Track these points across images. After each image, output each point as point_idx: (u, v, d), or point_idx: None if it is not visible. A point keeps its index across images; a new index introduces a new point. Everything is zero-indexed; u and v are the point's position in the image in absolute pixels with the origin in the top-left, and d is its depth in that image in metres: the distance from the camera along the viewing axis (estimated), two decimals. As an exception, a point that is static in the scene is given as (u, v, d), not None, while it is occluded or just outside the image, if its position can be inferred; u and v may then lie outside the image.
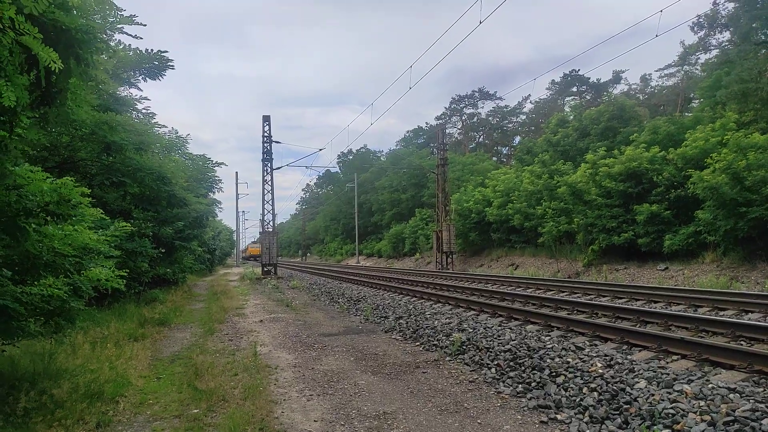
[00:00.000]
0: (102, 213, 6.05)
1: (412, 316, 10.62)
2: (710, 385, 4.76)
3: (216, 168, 18.62)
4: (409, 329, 9.66)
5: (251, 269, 38.02)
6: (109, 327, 9.22)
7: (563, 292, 14.56)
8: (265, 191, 32.19)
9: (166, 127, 15.66)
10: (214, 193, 20.61)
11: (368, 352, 8.13)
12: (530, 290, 15.61)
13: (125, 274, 6.37)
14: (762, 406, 4.16)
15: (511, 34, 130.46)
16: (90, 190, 5.47)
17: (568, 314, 10.02)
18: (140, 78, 11.54)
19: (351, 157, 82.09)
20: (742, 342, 7.03)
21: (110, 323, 9.61)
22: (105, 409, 5.26)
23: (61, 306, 5.46)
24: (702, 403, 4.39)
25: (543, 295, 13.34)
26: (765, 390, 4.74)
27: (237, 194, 55.58)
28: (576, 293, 14.03)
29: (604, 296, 12.98)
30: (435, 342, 8.40)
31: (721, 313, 9.64)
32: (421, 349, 8.34)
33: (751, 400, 4.30)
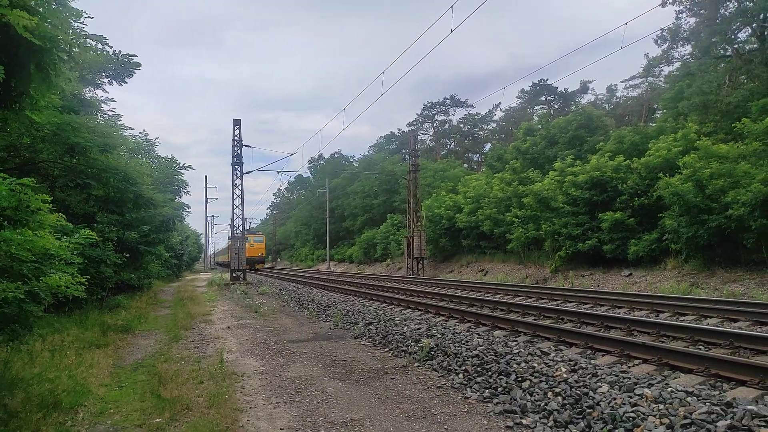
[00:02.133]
0: (63, 218, 5.88)
1: (381, 322, 10.62)
2: (669, 389, 4.89)
3: (183, 171, 18.33)
4: (378, 335, 9.65)
5: (219, 275, 37.46)
6: (69, 334, 8.96)
7: (531, 297, 14.77)
8: (235, 196, 31.78)
9: (133, 129, 15.38)
10: (181, 196, 20.29)
11: (337, 359, 8.09)
12: (498, 296, 15.79)
13: (85, 281, 6.19)
14: (717, 408, 4.29)
15: (483, 44, 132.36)
16: (51, 194, 5.32)
17: (535, 320, 10.17)
18: (106, 80, 11.32)
19: (323, 162, 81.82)
20: (700, 346, 7.24)
21: (71, 330, 9.34)
22: (63, 419, 5.10)
23: (17, 312, 5.27)
24: (661, 406, 4.50)
25: (511, 301, 13.51)
26: (721, 393, 4.90)
27: (206, 198, 54.72)
28: (543, 299, 14.24)
29: (570, 302, 13.23)
30: (404, 348, 8.41)
31: (682, 318, 9.92)
32: (389, 354, 8.34)
33: (707, 403, 4.44)
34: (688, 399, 4.58)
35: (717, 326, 8.73)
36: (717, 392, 4.90)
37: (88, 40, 6.81)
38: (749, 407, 4.22)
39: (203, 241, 67.34)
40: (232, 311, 15.14)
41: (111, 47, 9.89)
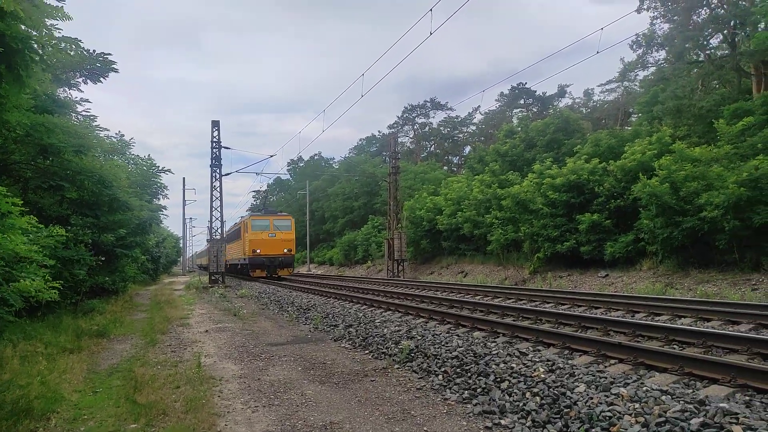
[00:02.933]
0: (35, 221, 5.75)
1: (361, 324, 10.60)
2: (644, 388, 4.97)
3: (161, 174, 18.09)
4: (358, 337, 9.63)
5: (198, 278, 37.01)
6: (41, 339, 8.75)
7: (510, 299, 14.90)
8: (214, 198, 31.44)
9: (108, 130, 15.12)
10: (159, 199, 20.02)
11: (316, 361, 8.05)
12: (478, 297, 15.88)
13: (59, 285, 6.05)
14: (691, 406, 4.37)
15: (463, 47, 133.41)
16: (23, 197, 5.20)
17: (514, 321, 10.26)
18: (81, 80, 11.12)
19: (302, 165, 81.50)
20: (674, 346, 7.38)
21: (43, 335, 9.12)
22: (34, 426, 4.98)
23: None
24: (637, 405, 4.57)
25: (490, 302, 13.61)
26: (694, 391, 5.00)
27: (184, 200, 54.01)
28: (522, 300, 14.38)
29: (548, 303, 13.37)
30: (384, 350, 8.40)
31: (657, 318, 10.09)
32: (370, 357, 8.32)
33: (681, 401, 4.52)
34: (663, 398, 4.66)
35: (691, 326, 8.91)
36: (690, 390, 5.00)
37: (61, 43, 6.68)
38: (721, 405, 4.31)
39: (182, 244, 66.53)
40: (211, 314, 14.96)
41: (85, 50, 9.74)
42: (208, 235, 34.91)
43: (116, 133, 16.53)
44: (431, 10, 15.44)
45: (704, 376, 5.52)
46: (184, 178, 55.68)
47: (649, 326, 8.30)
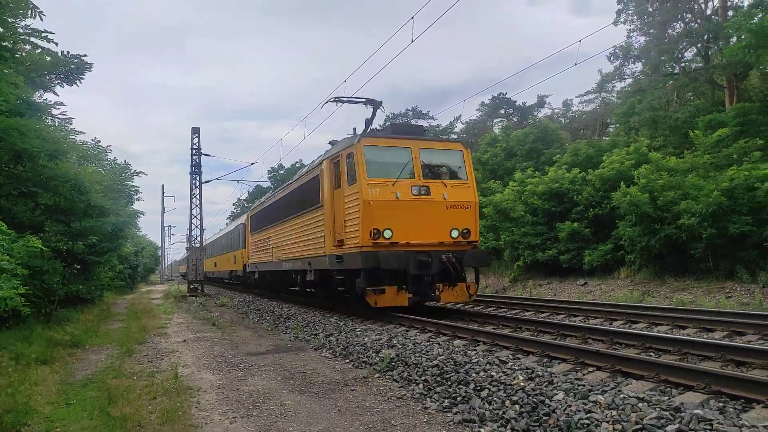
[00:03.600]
0: (4, 227, 5.61)
1: (342, 333, 10.53)
2: (622, 395, 5.01)
3: (135, 177, 17.75)
4: (339, 346, 9.57)
5: (176, 286, 36.49)
6: (11, 350, 8.51)
7: (490, 307, 14.95)
8: (193, 205, 31.09)
9: (84, 133, 14.88)
10: (133, 203, 19.71)
11: (296, 371, 7.97)
12: (458, 305, 15.91)
13: (26, 291, 5.89)
14: (667, 413, 4.42)
15: (445, 56, 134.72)
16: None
17: (494, 329, 10.29)
18: (57, 83, 10.94)
19: (283, 172, 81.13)
20: (651, 353, 7.47)
21: (13, 346, 8.88)
22: (3, 440, 4.83)
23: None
24: (614, 412, 4.61)
25: (471, 310, 13.64)
26: (670, 398, 5.05)
27: (163, 207, 53.45)
28: (502, 308, 14.44)
29: (528, 311, 13.45)
30: (365, 359, 8.35)
31: (634, 325, 10.22)
32: (350, 366, 8.27)
33: (657, 408, 4.57)
34: (640, 405, 4.70)
35: (667, 333, 9.04)
36: (666, 397, 5.06)
37: (32, 38, 6.54)
38: (696, 411, 4.37)
39: (161, 252, 65.57)
40: (189, 324, 14.73)
41: (60, 52, 9.58)
42: (187, 243, 33.72)
43: (92, 140, 16.23)
44: (413, 17, 15.53)
45: (680, 383, 5.59)
46: (163, 185, 55.16)
47: (627, 334, 8.40)
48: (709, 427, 4.10)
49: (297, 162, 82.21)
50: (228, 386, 7.10)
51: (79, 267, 13.31)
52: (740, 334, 8.65)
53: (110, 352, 10.16)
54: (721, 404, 4.93)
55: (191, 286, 30.17)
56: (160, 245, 64.23)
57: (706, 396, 5.10)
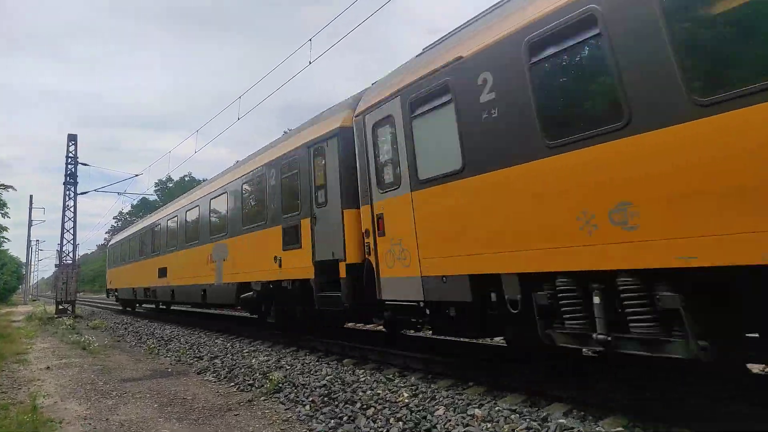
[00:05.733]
0: None
1: (228, 355, 10.15)
2: (497, 408, 5.32)
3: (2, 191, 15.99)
4: (224, 369, 9.19)
5: (43, 307, 33.05)
6: None
7: (369, 325, 15.16)
8: (66, 218, 28.47)
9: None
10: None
11: (176, 397, 7.52)
12: (350, 324, 15.96)
13: None
14: (535, 424, 4.76)
15: (342, 75, 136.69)
16: None
17: (383, 348, 10.43)
18: None
19: (171, 185, 77.18)
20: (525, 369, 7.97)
21: None
22: None
23: None
24: (489, 425, 4.87)
25: (363, 329, 13.75)
26: (539, 410, 5.43)
27: (30, 220, 48.17)
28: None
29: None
30: (251, 381, 8.09)
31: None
32: (235, 389, 7.96)
33: (527, 419, 4.90)
34: (512, 416, 5.01)
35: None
36: (536, 409, 5.43)
37: None
38: (560, 420, 4.75)
39: (27, 270, 59.05)
40: (55, 349, 13.37)
41: None
42: (57, 259, 30.71)
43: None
44: (310, 40, 15.66)
45: (549, 395, 6.02)
46: (31, 196, 49.34)
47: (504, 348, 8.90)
48: (570, 434, 4.47)
49: (186, 175, 78.67)
50: (96, 416, 6.53)
51: None
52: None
53: (-46, 384, 8.93)
54: (582, 413, 5.39)
55: (60, 307, 27.42)
56: (25, 262, 57.73)
57: (570, 406, 5.54)
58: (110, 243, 30.41)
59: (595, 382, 5.67)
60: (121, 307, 30.14)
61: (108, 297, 31.24)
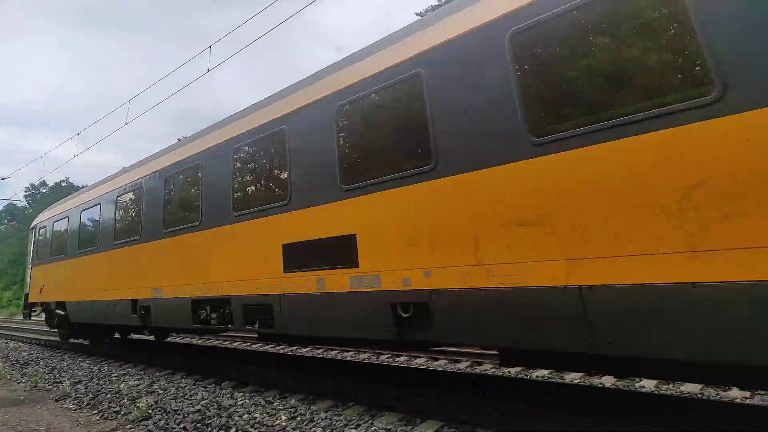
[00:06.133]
0: None
1: (94, 380, 9.32)
2: (373, 428, 5.36)
3: None
4: (88, 395, 8.42)
5: None
6: None
7: (269, 344, 14.77)
8: None
9: None
10: None
11: (26, 429, 6.75)
12: (237, 344, 15.39)
13: None
14: (407, 442, 4.85)
15: (240, 83, 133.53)
16: None
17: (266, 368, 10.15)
18: None
19: (46, 191, 70.30)
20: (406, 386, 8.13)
21: None
22: None
23: None
24: (363, 445, 4.89)
25: (248, 349, 13.30)
26: (413, 428, 5.56)
27: None
28: (280, 346, 14.38)
29: (305, 347, 13.61)
30: (117, 408, 7.48)
31: (397, 359, 11.05)
32: (98, 417, 7.30)
33: (400, 438, 4.98)
34: (386, 436, 5.08)
35: (423, 366, 9.97)
36: (410, 427, 5.54)
37: None
38: (430, 438, 4.88)
39: None
40: None
41: None
42: None
43: None
44: (210, 47, 15.16)
45: (425, 413, 6.18)
46: None
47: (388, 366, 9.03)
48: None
49: (63, 180, 72.16)
50: None
51: None
52: (479, 364, 9.97)
53: None
54: (453, 430, 5.59)
55: None
56: None
57: (442, 423, 5.72)
58: (40, 219, 16.95)
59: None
60: (60, 338, 15.62)
61: (29, 317, 17.46)
